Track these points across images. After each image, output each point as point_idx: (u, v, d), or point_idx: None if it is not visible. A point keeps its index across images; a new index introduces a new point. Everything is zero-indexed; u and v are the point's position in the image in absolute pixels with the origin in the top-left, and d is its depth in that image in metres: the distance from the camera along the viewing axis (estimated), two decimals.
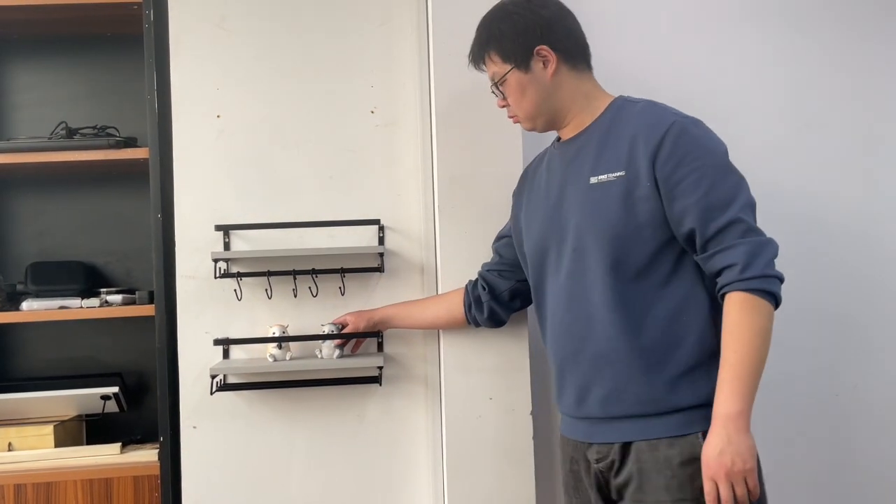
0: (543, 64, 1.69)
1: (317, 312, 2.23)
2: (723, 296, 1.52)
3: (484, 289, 1.99)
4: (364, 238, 2.25)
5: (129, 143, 2.29)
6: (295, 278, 2.19)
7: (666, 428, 1.55)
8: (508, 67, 1.70)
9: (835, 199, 2.36)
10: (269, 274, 2.18)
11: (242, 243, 2.24)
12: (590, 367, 1.63)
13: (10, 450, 2.21)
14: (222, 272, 2.19)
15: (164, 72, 2.24)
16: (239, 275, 2.20)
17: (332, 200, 2.26)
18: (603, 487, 1.67)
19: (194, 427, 2.21)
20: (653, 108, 1.65)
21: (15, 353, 2.46)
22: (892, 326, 2.36)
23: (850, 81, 2.38)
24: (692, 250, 1.58)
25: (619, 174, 1.60)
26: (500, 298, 1.98)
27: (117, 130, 2.35)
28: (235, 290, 2.20)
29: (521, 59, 1.69)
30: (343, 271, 2.20)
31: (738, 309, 1.48)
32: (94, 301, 2.26)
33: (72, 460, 2.19)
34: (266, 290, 2.20)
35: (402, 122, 2.28)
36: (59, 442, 2.24)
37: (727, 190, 1.54)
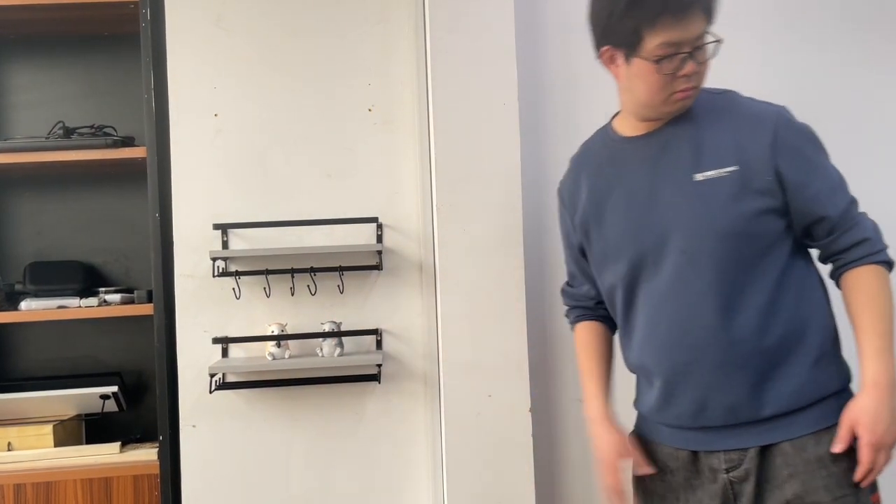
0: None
1: (315, 310, 2.23)
2: (842, 272, 1.51)
3: (603, 310, 1.76)
4: (362, 236, 2.25)
5: (127, 142, 2.29)
6: (293, 276, 2.19)
7: (807, 423, 1.46)
8: (710, 33, 1.49)
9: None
10: (267, 272, 2.18)
11: (241, 242, 2.24)
12: (712, 376, 1.49)
13: (9, 449, 2.21)
14: (221, 271, 2.19)
15: (161, 71, 2.24)
16: (237, 273, 2.20)
17: (330, 199, 2.26)
18: (730, 496, 1.51)
19: (193, 426, 2.21)
20: (743, 100, 1.56)
21: (14, 353, 2.46)
22: None
23: (848, 81, 2.38)
24: (809, 237, 1.53)
25: (730, 169, 1.48)
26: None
27: (115, 130, 2.35)
28: (234, 289, 2.20)
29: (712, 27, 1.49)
30: (341, 269, 2.20)
31: (874, 280, 1.48)
32: (93, 300, 2.26)
33: (71, 460, 2.19)
34: (264, 288, 2.20)
35: (399, 120, 2.28)
36: (59, 441, 2.24)
37: (836, 171, 1.54)
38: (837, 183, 1.53)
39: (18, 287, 2.34)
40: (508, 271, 2.13)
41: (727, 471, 1.50)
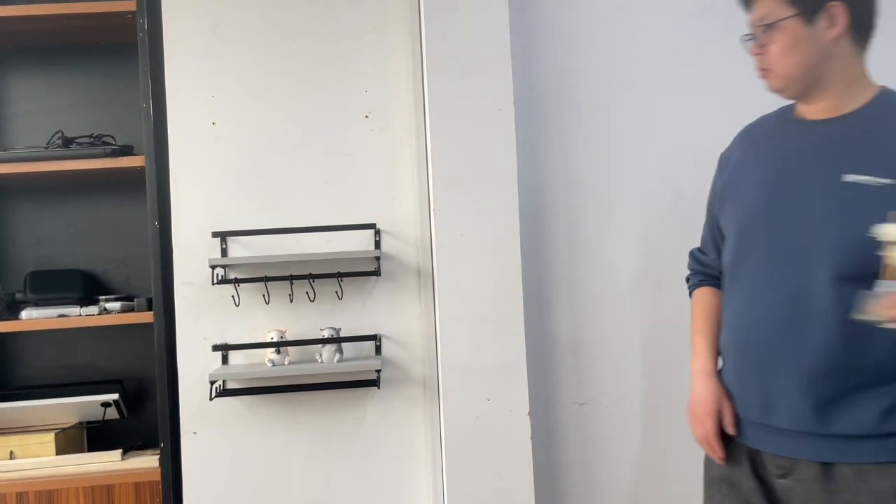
0: (829, 23, 1.43)
1: (314, 317, 2.24)
2: None
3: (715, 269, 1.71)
4: (360, 242, 2.26)
5: (126, 151, 2.30)
6: (292, 283, 2.20)
7: (875, 452, 1.37)
8: (790, 12, 1.43)
9: None
10: (266, 279, 2.19)
11: (240, 249, 2.25)
12: (790, 376, 1.44)
13: (11, 458, 2.22)
14: (220, 278, 2.20)
15: (159, 80, 2.25)
16: (236, 281, 2.21)
17: (327, 205, 2.27)
18: (777, 500, 1.48)
19: (194, 433, 2.22)
20: (874, 107, 1.44)
21: (15, 362, 2.47)
22: None
23: None
24: None
25: (884, 182, 1.36)
26: None
27: (113, 139, 2.35)
28: (233, 296, 2.21)
29: (808, 7, 1.42)
30: (340, 275, 2.21)
31: None
32: (93, 309, 2.27)
33: (73, 467, 2.20)
34: (263, 295, 2.21)
35: (396, 126, 2.29)
36: (61, 449, 2.25)
37: None
38: None
39: (19, 296, 2.35)
40: (506, 275, 2.14)
41: (779, 476, 1.45)
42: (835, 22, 1.43)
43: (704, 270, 1.72)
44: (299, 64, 2.29)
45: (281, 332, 2.19)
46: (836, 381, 1.38)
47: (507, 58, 2.17)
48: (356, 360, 2.23)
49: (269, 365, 2.17)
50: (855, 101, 1.46)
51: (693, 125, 2.28)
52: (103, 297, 2.32)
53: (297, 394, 2.23)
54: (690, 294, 1.74)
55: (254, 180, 2.27)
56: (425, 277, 2.26)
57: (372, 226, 2.25)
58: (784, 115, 1.59)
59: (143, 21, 2.22)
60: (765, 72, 1.49)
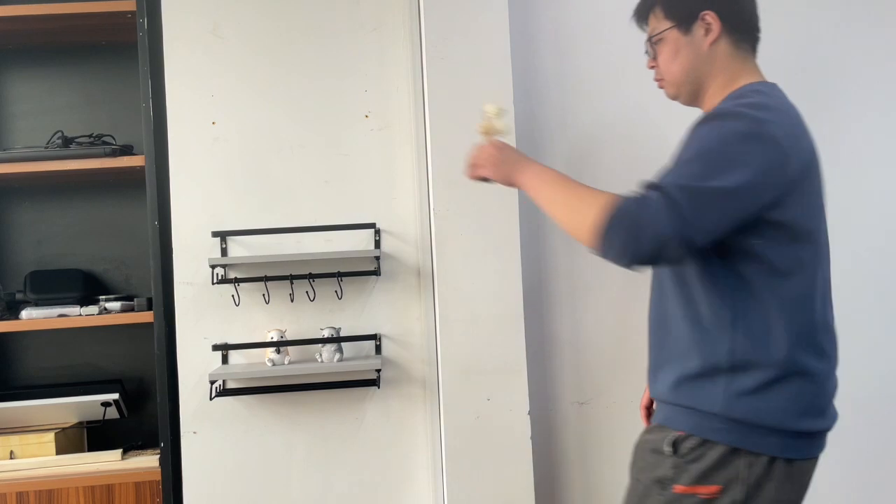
0: (705, 31, 1.54)
1: (314, 316, 2.25)
2: None
3: None
4: (360, 242, 2.26)
5: (126, 150, 2.30)
6: (292, 283, 2.21)
7: (660, 416, 1.54)
8: (668, 25, 1.57)
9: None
10: (266, 279, 2.19)
11: (239, 249, 2.25)
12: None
13: (11, 458, 2.22)
14: (220, 278, 2.21)
15: (158, 80, 2.25)
16: (236, 280, 2.21)
17: (327, 205, 2.27)
18: None
19: (194, 432, 2.22)
20: (730, 101, 1.50)
21: (15, 362, 2.48)
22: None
23: (846, 77, 2.39)
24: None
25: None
26: None
27: (113, 139, 2.36)
28: (233, 296, 2.22)
29: (684, 19, 1.56)
30: (340, 275, 2.21)
31: (601, 197, 1.44)
32: (93, 308, 2.27)
33: (73, 467, 2.20)
34: (263, 294, 2.21)
35: (396, 125, 2.29)
36: (61, 449, 2.25)
37: (682, 166, 1.43)
38: (668, 168, 1.41)
39: (19, 296, 2.35)
40: (506, 274, 2.15)
41: None
42: (710, 29, 1.54)
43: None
44: (299, 64, 2.29)
45: (281, 331, 2.19)
46: (653, 355, 1.56)
47: (507, 57, 2.17)
48: (356, 359, 2.23)
49: (269, 365, 2.17)
50: (719, 100, 1.54)
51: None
52: (103, 297, 2.32)
53: (297, 393, 2.24)
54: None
55: (253, 180, 2.27)
56: (425, 277, 2.26)
57: (372, 225, 2.25)
58: None
59: (143, 21, 2.22)
60: (660, 81, 1.63)
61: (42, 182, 2.42)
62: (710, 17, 1.54)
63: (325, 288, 2.24)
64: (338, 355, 2.19)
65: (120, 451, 2.25)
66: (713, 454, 1.43)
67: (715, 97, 1.55)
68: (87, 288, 2.39)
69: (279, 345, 2.17)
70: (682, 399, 1.47)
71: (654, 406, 1.62)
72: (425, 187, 2.25)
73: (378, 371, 2.21)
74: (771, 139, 1.38)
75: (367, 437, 2.26)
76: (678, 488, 1.44)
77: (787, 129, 1.41)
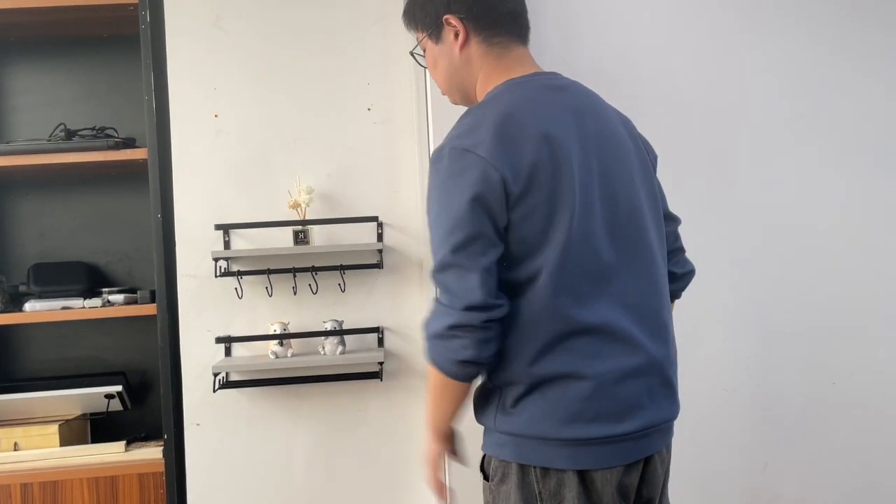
0: (455, 35, 1.48)
1: (317, 309, 2.25)
2: None
3: None
4: (363, 235, 2.27)
5: (128, 143, 2.31)
6: (295, 276, 2.21)
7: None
8: (422, 37, 1.54)
9: (831, 193, 2.37)
10: (269, 272, 2.20)
11: (242, 242, 2.25)
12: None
13: (15, 449, 2.23)
14: (223, 271, 2.21)
15: (161, 72, 2.25)
16: (239, 273, 2.21)
17: (330, 198, 2.27)
18: None
19: (197, 424, 2.23)
20: (464, 116, 1.42)
21: (19, 354, 2.48)
22: (884, 317, 2.37)
23: (845, 77, 2.38)
24: None
25: None
26: None
27: (116, 131, 2.36)
28: (236, 289, 2.22)
29: (432, 28, 1.50)
30: (342, 268, 2.22)
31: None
32: (97, 301, 2.28)
33: (77, 459, 2.21)
34: (266, 287, 2.21)
35: (399, 118, 2.29)
36: (65, 441, 2.26)
37: (434, 237, 1.35)
38: (438, 241, 1.33)
39: (22, 288, 2.36)
40: None
41: None
42: (457, 32, 1.48)
43: None
44: (301, 57, 2.29)
45: (284, 324, 2.20)
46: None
47: None
48: (359, 352, 2.23)
49: (272, 357, 2.18)
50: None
51: (696, 121, 2.28)
52: (106, 290, 2.32)
53: (300, 386, 2.24)
54: None
55: (256, 173, 2.27)
56: (427, 270, 2.26)
57: (374, 218, 2.25)
58: None
59: (146, 13, 2.22)
60: (441, 90, 1.58)
61: (45, 175, 2.43)
62: (453, 20, 1.47)
63: (328, 281, 2.24)
64: (340, 348, 2.20)
65: (123, 443, 2.26)
66: (501, 469, 1.39)
67: (481, 97, 1.49)
68: (91, 280, 2.40)
69: (282, 337, 2.18)
70: (484, 420, 1.44)
71: None
72: (427, 180, 2.24)
73: (381, 364, 2.21)
74: (473, 167, 1.30)
75: (369, 430, 2.26)
76: None
77: (492, 147, 1.30)
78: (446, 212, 1.31)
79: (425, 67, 1.59)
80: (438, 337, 1.32)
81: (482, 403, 1.44)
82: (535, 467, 1.36)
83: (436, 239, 1.32)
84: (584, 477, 1.34)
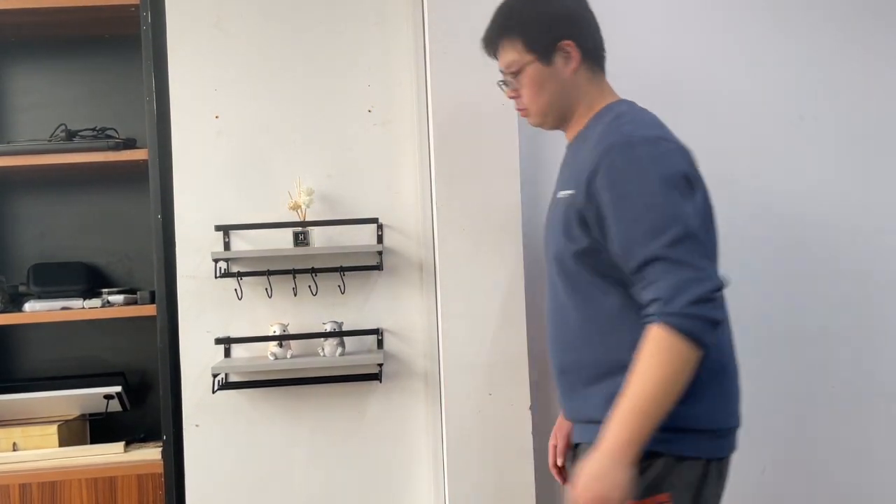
0: (565, 60, 1.59)
1: (317, 311, 2.25)
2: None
3: None
4: (363, 236, 2.27)
5: (129, 144, 2.31)
6: (295, 277, 2.21)
7: (582, 434, 1.60)
8: (530, 58, 1.59)
9: (833, 193, 2.37)
10: (269, 273, 2.20)
11: (242, 243, 2.25)
12: (555, 375, 1.66)
13: (14, 450, 2.23)
14: (223, 272, 2.21)
15: (162, 73, 2.25)
16: (239, 274, 2.21)
17: (330, 199, 2.27)
18: None
19: (197, 425, 2.23)
20: (613, 122, 1.54)
21: (18, 354, 2.48)
22: (891, 316, 2.37)
23: (845, 77, 2.39)
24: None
25: (570, 192, 1.53)
26: None
27: (116, 132, 2.36)
28: (236, 290, 2.22)
29: (544, 50, 1.58)
30: (342, 270, 2.22)
31: (651, 341, 1.37)
32: (96, 301, 2.28)
33: (76, 459, 2.21)
34: (266, 289, 2.21)
35: (399, 120, 2.29)
36: (64, 441, 2.26)
37: (646, 223, 1.41)
38: (642, 234, 1.41)
39: (22, 289, 2.36)
40: (508, 270, 2.15)
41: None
42: (569, 58, 1.60)
43: None
44: (302, 58, 2.29)
45: (283, 325, 2.20)
46: (571, 376, 1.59)
47: None
48: (358, 353, 2.23)
49: (272, 358, 2.18)
50: (585, 122, 1.63)
51: (696, 122, 2.28)
52: (106, 290, 2.32)
53: (300, 387, 2.24)
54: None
55: (257, 174, 2.27)
56: (427, 272, 2.27)
57: (374, 220, 2.25)
58: None
59: (147, 14, 2.22)
60: (524, 111, 1.67)
61: (45, 175, 2.43)
62: (569, 45, 1.59)
63: (328, 282, 2.24)
64: (340, 349, 2.20)
65: (122, 443, 2.26)
66: (658, 465, 1.44)
67: (581, 120, 1.63)
68: (90, 281, 2.40)
69: (282, 339, 2.18)
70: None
71: (572, 437, 1.70)
72: (428, 182, 2.25)
73: (380, 365, 2.21)
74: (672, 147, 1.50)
75: (368, 431, 2.26)
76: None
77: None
78: (666, 192, 1.41)
79: (513, 90, 1.66)
80: (703, 301, 1.36)
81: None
82: (689, 457, 1.47)
83: (658, 218, 1.40)
84: (720, 465, 1.53)
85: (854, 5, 2.39)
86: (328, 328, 2.19)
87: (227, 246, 2.24)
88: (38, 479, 2.16)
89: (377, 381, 2.23)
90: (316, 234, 2.23)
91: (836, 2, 2.38)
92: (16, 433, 2.24)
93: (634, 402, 1.37)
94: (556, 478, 1.84)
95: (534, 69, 1.60)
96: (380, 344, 2.26)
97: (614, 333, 1.50)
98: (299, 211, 2.19)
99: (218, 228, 2.22)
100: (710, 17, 2.38)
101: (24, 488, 2.16)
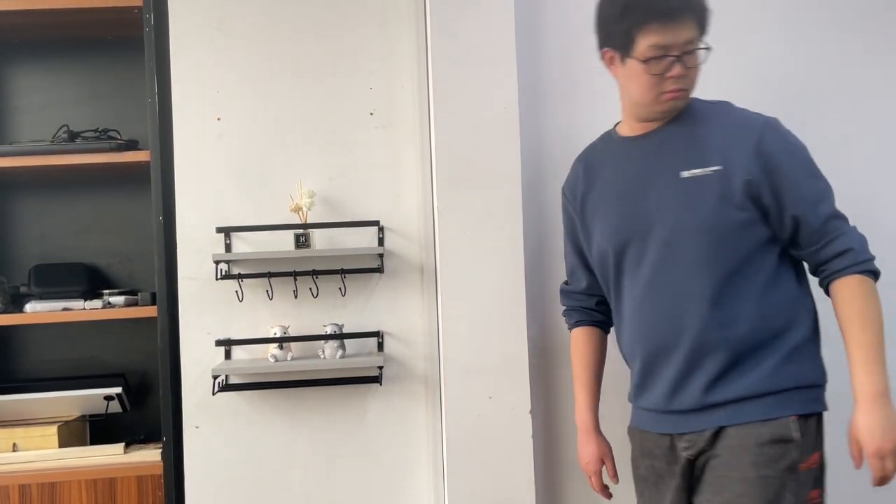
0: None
1: (317, 313, 2.25)
2: (829, 282, 1.59)
3: (599, 312, 1.89)
4: (364, 239, 2.27)
5: (131, 145, 2.31)
6: (295, 279, 2.21)
7: (761, 410, 1.57)
8: (701, 41, 1.61)
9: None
10: (269, 275, 2.20)
11: (243, 245, 2.26)
12: (686, 360, 1.61)
13: (14, 450, 2.23)
14: (223, 273, 2.21)
15: (164, 75, 2.25)
16: (240, 276, 2.21)
17: (331, 202, 2.28)
18: (687, 474, 1.66)
19: (197, 427, 2.23)
20: (736, 108, 1.67)
21: (19, 355, 2.48)
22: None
23: (847, 77, 2.39)
24: (795, 246, 1.61)
25: (715, 168, 1.59)
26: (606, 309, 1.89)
27: (119, 133, 2.36)
28: (237, 292, 2.22)
29: (703, 35, 1.62)
30: (343, 272, 2.22)
31: (859, 290, 1.54)
32: (97, 302, 2.28)
33: (76, 460, 2.21)
34: (267, 291, 2.22)
35: (400, 123, 2.29)
36: (63, 442, 2.26)
37: (822, 183, 1.61)
38: (821, 193, 1.59)
39: (23, 289, 2.36)
40: (509, 273, 2.15)
41: (686, 449, 1.65)
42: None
43: (577, 305, 1.91)
44: (304, 60, 2.29)
45: (284, 327, 2.20)
46: (721, 356, 1.58)
47: (513, 55, 2.17)
48: (358, 356, 2.23)
49: (272, 360, 2.18)
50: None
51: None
52: (107, 291, 2.33)
53: (300, 389, 2.24)
54: (570, 331, 1.94)
55: (258, 176, 2.27)
56: (428, 274, 2.27)
57: (376, 223, 2.26)
58: (609, 136, 1.81)
59: (150, 16, 2.23)
60: (681, 92, 1.63)
61: (47, 176, 2.43)
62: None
63: (329, 285, 2.25)
64: (340, 352, 2.20)
65: (122, 444, 2.26)
66: (812, 424, 1.57)
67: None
68: (91, 282, 2.40)
69: (282, 341, 2.18)
70: (783, 383, 1.57)
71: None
72: (429, 185, 2.25)
73: (380, 368, 2.21)
74: None
75: (368, 434, 2.26)
76: (802, 467, 1.54)
77: None
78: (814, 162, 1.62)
79: (685, 67, 1.62)
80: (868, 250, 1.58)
81: (797, 361, 1.61)
82: (818, 413, 1.61)
83: (824, 187, 1.61)
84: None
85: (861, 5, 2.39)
86: (329, 330, 2.19)
87: (228, 248, 2.24)
88: (37, 480, 2.16)
89: (377, 384, 2.23)
90: (317, 236, 2.23)
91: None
92: (16, 434, 2.24)
93: (872, 350, 1.52)
94: (602, 494, 1.90)
95: (702, 52, 1.61)
96: (380, 346, 2.26)
97: (770, 303, 1.59)
98: (300, 213, 2.19)
99: (219, 230, 2.23)
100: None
101: (23, 489, 2.16)
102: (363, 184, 2.28)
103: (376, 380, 2.22)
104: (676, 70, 1.59)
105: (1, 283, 2.33)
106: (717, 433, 1.60)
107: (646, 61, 1.58)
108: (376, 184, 2.28)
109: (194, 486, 2.22)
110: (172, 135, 2.25)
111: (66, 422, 2.32)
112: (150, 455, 2.23)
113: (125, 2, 2.23)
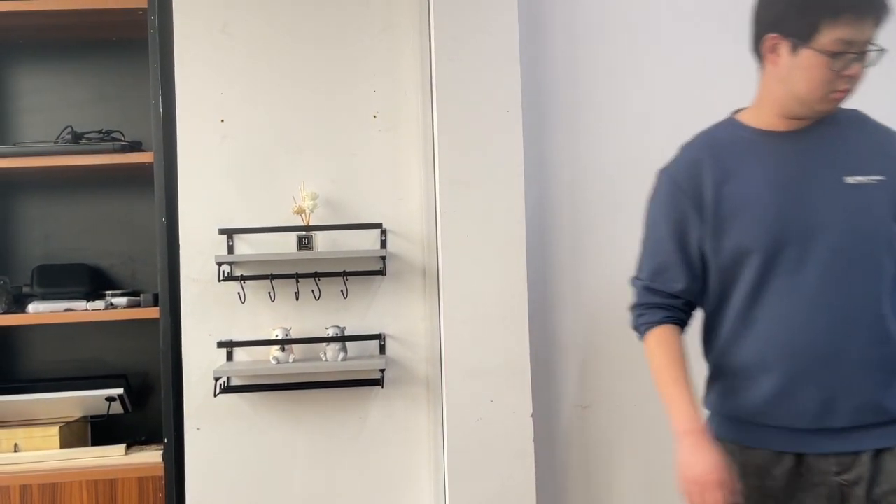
0: None
1: (319, 315, 2.25)
2: None
3: (685, 312, 1.70)
4: (366, 241, 2.27)
5: (134, 147, 2.31)
6: (298, 281, 2.21)
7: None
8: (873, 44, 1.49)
9: None
10: (272, 277, 2.20)
11: (246, 247, 2.26)
12: (845, 375, 1.50)
13: (16, 451, 2.23)
14: (226, 275, 2.21)
15: (168, 77, 2.26)
16: (242, 278, 2.22)
17: (334, 204, 2.28)
18: (839, 500, 1.53)
19: (198, 428, 2.23)
20: (867, 115, 1.62)
21: (21, 355, 2.49)
22: None
23: None
24: None
25: (878, 178, 1.52)
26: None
27: (122, 135, 2.37)
28: (239, 293, 2.22)
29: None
30: (345, 274, 2.22)
31: None
32: (100, 303, 2.28)
33: (77, 461, 2.21)
34: (269, 292, 2.22)
35: (403, 126, 2.30)
36: (65, 443, 2.26)
37: None
38: None
39: (26, 290, 2.36)
40: (511, 276, 2.15)
41: (838, 473, 1.50)
42: None
43: (666, 303, 1.67)
44: (308, 63, 2.30)
45: (286, 329, 2.20)
46: (886, 372, 1.49)
47: (516, 59, 2.18)
48: (360, 359, 2.23)
49: (274, 362, 2.18)
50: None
51: (702, 126, 2.28)
52: (109, 293, 2.33)
53: (301, 392, 2.24)
54: (643, 332, 1.66)
55: (261, 178, 2.27)
56: (430, 277, 2.27)
57: (378, 225, 2.26)
58: (736, 127, 1.63)
59: (154, 18, 2.23)
60: (848, 93, 1.51)
61: (51, 177, 2.44)
62: None
63: (331, 287, 2.25)
64: (342, 354, 2.20)
65: (123, 445, 2.26)
66: None
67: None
68: (94, 283, 2.40)
69: (284, 343, 2.18)
70: None
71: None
72: (432, 188, 2.25)
73: (382, 371, 2.21)
74: None
75: (369, 437, 2.26)
76: None
77: None
78: None
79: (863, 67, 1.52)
80: None
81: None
82: None
83: None
84: None
85: None
86: (330, 333, 2.19)
87: (230, 249, 2.24)
88: (38, 481, 2.16)
89: (379, 387, 2.23)
90: (319, 238, 2.23)
91: None
92: (18, 434, 2.24)
93: None
94: None
95: (874, 54, 1.48)
96: (382, 349, 2.26)
97: None
98: (303, 215, 2.19)
99: (222, 232, 2.23)
100: (719, 17, 2.37)
101: (24, 489, 2.16)
102: (366, 186, 2.29)
103: (378, 382, 2.22)
104: (854, 69, 1.47)
105: (4, 284, 2.33)
106: (879, 454, 1.49)
107: (831, 55, 1.45)
108: (379, 186, 2.29)
109: (195, 487, 2.22)
110: (176, 136, 2.26)
111: (68, 422, 2.32)
112: (151, 456, 2.23)
113: (130, 3, 2.24)
